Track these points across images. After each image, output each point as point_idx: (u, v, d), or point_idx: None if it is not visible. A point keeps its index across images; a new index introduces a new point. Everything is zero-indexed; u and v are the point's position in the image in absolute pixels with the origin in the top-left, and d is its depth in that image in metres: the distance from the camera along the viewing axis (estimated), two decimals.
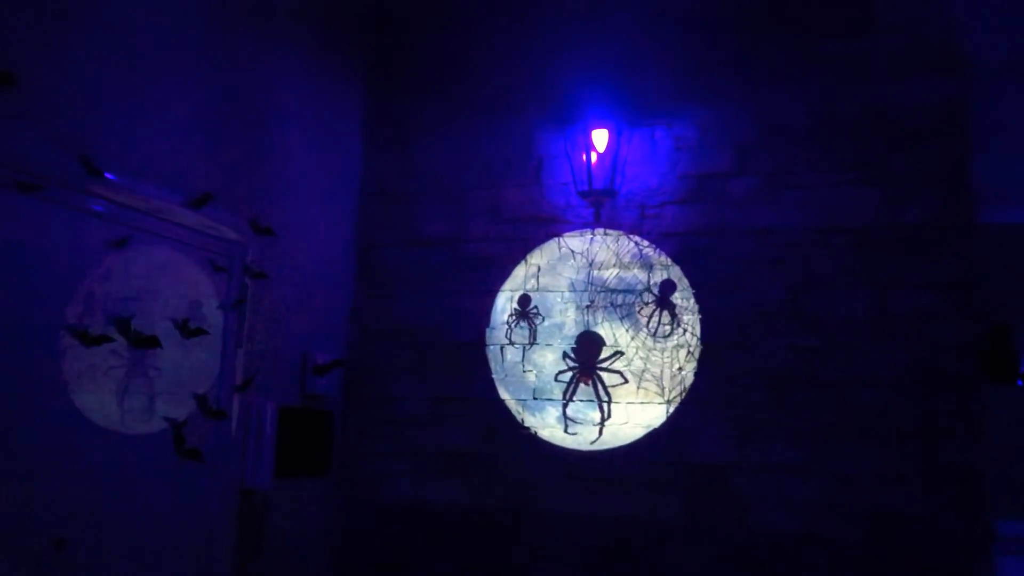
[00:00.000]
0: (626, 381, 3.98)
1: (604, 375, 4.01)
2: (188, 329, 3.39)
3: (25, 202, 2.75)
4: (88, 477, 2.97)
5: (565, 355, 4.10)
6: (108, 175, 3.01)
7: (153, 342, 3.17)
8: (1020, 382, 4.22)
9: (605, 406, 3.99)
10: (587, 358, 4.05)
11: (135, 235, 3.17)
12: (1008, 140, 4.13)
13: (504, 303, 4.24)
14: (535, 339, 4.16)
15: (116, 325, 3.06)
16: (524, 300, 4.19)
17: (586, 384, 4.04)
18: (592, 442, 3.98)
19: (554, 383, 4.09)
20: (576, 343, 4.09)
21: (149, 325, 3.20)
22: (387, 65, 4.64)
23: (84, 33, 3.01)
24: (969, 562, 3.46)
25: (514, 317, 4.20)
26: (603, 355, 4.03)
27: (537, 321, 4.15)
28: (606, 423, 3.98)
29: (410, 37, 4.64)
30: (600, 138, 3.99)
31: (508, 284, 4.25)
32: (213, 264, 3.54)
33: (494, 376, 4.20)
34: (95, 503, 3.00)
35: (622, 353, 4.00)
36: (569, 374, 4.08)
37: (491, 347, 4.23)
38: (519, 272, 4.24)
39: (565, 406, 4.05)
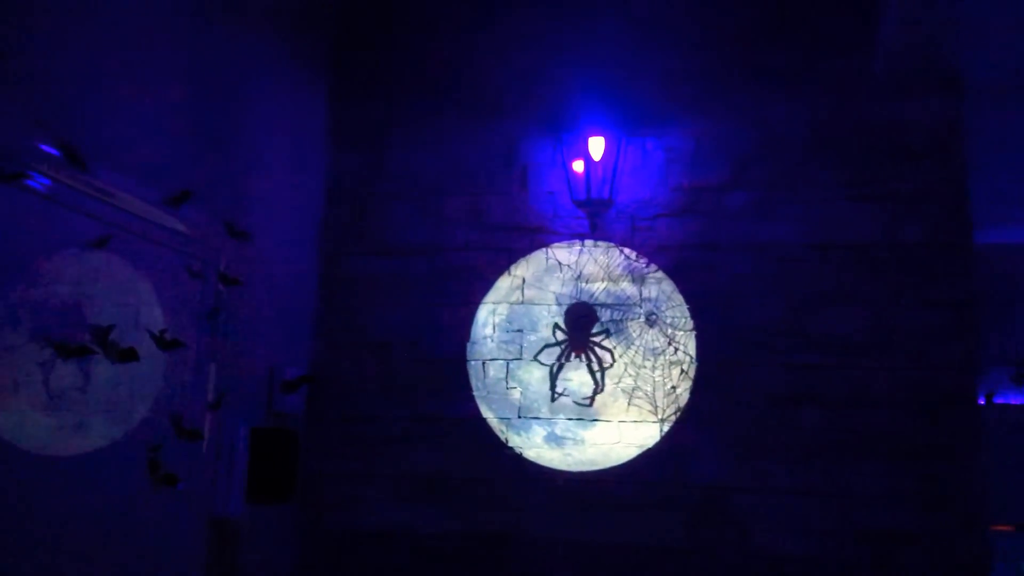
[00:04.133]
0: (613, 361, 3.86)
1: (597, 349, 3.88)
2: (165, 341, 3.04)
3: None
4: (56, 507, 2.61)
5: (556, 327, 3.92)
6: (90, 166, 2.66)
7: (131, 355, 2.81)
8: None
9: (599, 376, 3.85)
10: (580, 331, 3.89)
11: (113, 234, 2.82)
12: (1005, 159, 4.18)
13: (486, 316, 4.01)
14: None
15: (94, 335, 2.70)
16: None
17: (578, 357, 3.87)
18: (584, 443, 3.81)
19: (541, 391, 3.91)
20: (567, 315, 3.92)
21: (126, 335, 2.85)
22: (358, 62, 4.35)
23: (69, 20, 2.68)
24: None
25: None
26: (595, 330, 3.91)
27: None
28: (596, 397, 3.87)
29: (383, 33, 4.36)
30: (596, 146, 3.82)
31: (491, 296, 4.02)
32: (189, 269, 3.20)
33: (475, 393, 3.97)
34: (62, 538, 2.63)
35: (610, 333, 3.88)
36: (558, 349, 3.91)
37: (472, 363, 3.99)
38: (502, 284, 4.02)
39: (555, 379, 3.89)
